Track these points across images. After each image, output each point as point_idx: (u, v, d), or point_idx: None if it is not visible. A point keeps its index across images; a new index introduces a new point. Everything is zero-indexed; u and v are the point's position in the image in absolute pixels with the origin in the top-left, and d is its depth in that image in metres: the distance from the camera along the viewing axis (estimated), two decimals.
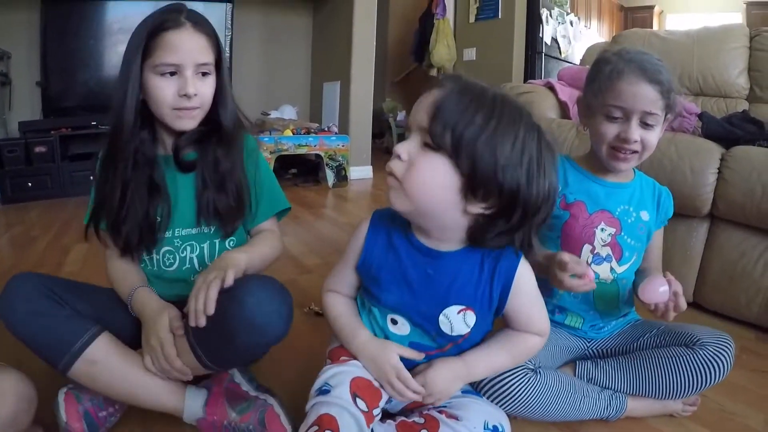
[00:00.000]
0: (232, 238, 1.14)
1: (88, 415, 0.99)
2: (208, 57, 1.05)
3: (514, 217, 0.80)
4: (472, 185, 0.77)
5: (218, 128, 1.10)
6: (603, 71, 1.10)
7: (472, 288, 0.89)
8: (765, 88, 2.31)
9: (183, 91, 1.02)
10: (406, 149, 0.80)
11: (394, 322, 0.94)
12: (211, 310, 0.87)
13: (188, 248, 1.12)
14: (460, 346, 0.95)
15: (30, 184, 3.27)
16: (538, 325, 0.96)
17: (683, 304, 1.01)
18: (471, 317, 0.90)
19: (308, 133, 3.70)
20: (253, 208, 1.16)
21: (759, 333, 1.60)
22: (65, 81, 3.52)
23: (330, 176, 3.76)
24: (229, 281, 0.90)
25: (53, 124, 3.41)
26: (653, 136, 1.09)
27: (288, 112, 4.39)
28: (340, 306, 1.02)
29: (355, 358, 0.95)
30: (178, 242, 1.11)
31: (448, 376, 0.93)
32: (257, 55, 4.68)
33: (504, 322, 0.97)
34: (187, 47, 1.01)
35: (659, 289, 1.01)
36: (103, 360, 0.96)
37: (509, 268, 0.90)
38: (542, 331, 0.96)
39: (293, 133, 3.64)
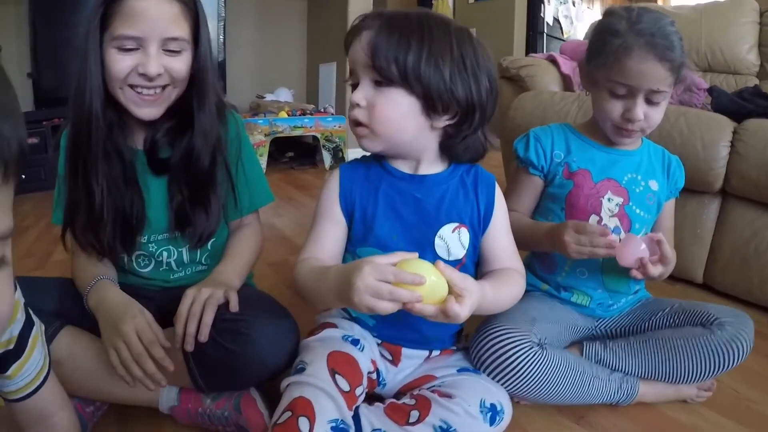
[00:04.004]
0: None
1: (77, 412, 0.90)
2: (181, 30, 0.89)
3: (476, 118, 0.85)
4: (431, 104, 0.82)
5: (192, 120, 0.95)
6: (610, 44, 1.00)
7: (460, 203, 0.92)
8: None
9: (142, 69, 0.86)
10: (362, 95, 0.83)
11: None
12: (205, 338, 0.84)
13: (165, 253, 1.03)
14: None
15: (23, 176, 3.18)
16: (516, 257, 0.96)
17: (667, 252, 0.96)
18: (465, 235, 0.91)
19: (304, 114, 3.61)
20: (238, 201, 1.05)
21: None
22: (56, 72, 3.46)
23: (327, 158, 3.67)
24: (234, 307, 0.88)
25: (45, 115, 3.36)
26: (658, 113, 1.03)
27: (284, 95, 4.30)
28: (314, 262, 0.87)
29: (333, 325, 0.93)
30: (153, 247, 1.01)
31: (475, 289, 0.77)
32: (252, 38, 4.60)
33: (483, 266, 0.96)
34: (152, 16, 0.84)
35: (640, 247, 0.95)
36: (67, 358, 0.89)
37: (488, 180, 0.96)
38: (522, 269, 0.97)
39: (288, 115, 3.55)
